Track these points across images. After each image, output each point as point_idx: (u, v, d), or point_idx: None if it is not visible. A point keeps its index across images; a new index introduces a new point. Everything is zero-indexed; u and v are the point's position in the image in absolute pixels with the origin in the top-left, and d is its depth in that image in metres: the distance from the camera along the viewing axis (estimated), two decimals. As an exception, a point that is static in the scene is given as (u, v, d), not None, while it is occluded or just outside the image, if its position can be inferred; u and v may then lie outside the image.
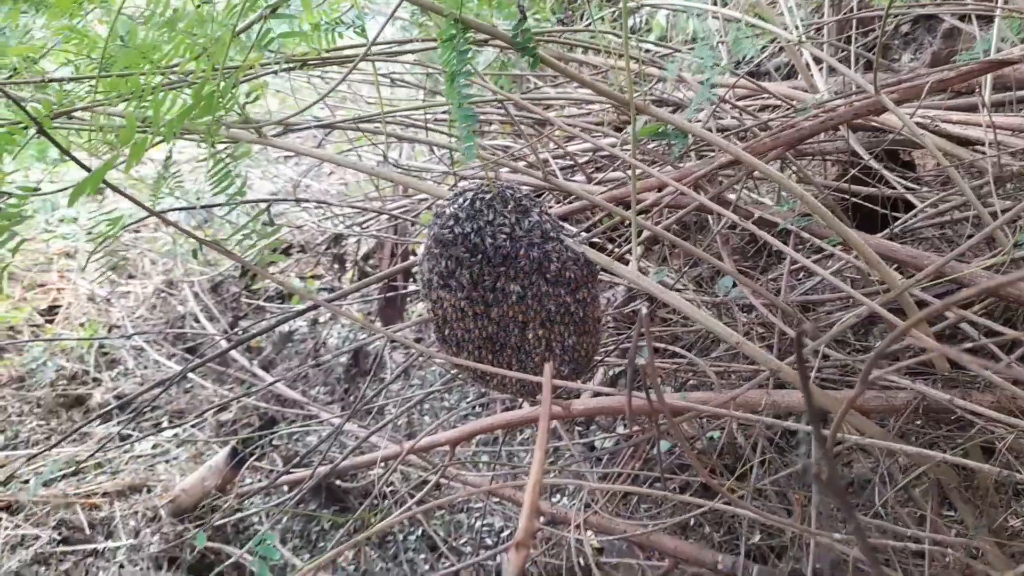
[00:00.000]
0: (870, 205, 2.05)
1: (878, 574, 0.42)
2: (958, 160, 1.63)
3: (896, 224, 1.74)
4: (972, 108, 1.90)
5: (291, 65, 1.37)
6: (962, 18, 2.54)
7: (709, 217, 2.41)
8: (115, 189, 1.12)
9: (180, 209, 1.35)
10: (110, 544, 2.33)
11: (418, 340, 3.18)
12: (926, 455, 1.01)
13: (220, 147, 1.29)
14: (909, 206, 2.18)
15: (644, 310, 0.60)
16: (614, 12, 2.19)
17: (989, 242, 1.74)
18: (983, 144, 1.67)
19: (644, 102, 1.28)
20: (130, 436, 2.86)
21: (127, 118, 0.90)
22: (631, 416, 0.80)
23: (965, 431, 1.29)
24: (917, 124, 1.72)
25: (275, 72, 1.41)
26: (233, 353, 2.95)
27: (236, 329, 2.98)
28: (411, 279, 2.91)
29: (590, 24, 1.90)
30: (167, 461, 2.78)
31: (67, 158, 0.99)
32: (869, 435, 1.26)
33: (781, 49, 2.85)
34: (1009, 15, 1.82)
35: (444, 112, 2.16)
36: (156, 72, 1.18)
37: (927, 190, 1.98)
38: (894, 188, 1.90)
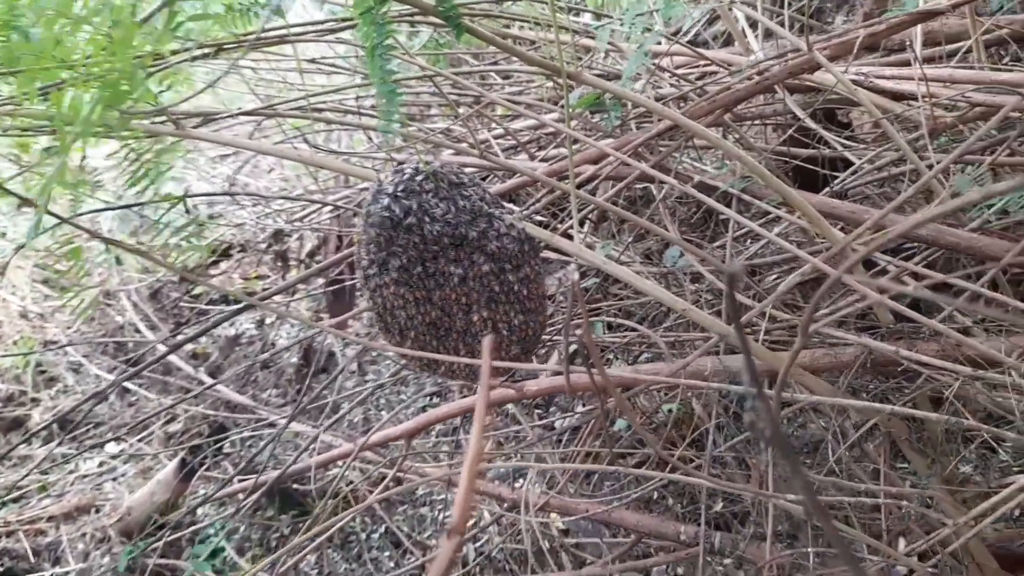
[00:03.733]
0: (811, 167, 2.05)
1: (829, 529, 0.39)
2: (892, 114, 1.63)
3: (835, 183, 1.74)
4: (904, 64, 1.91)
5: (205, 52, 1.30)
6: (890, -23, 2.56)
7: (654, 189, 2.40)
8: (15, 196, 1.05)
9: (94, 212, 1.27)
10: (58, 571, 2.23)
11: (369, 334, 3.11)
12: (874, 408, 1.00)
13: (140, 144, 1.22)
14: (848, 166, 2.20)
15: (574, 276, 0.57)
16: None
17: (927, 195, 1.75)
18: (916, 98, 1.68)
19: (578, 71, 1.24)
20: (73, 455, 2.75)
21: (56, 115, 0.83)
22: (571, 393, 0.77)
23: (914, 382, 1.29)
24: (852, 81, 1.72)
25: (191, 60, 1.33)
26: (178, 362, 2.85)
27: (176, 335, 2.88)
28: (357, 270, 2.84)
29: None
30: (114, 479, 2.68)
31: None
32: (819, 393, 1.26)
33: (717, 18, 2.85)
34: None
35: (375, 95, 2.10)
36: (63, 68, 1.11)
37: (865, 148, 1.99)
38: (833, 148, 1.90)
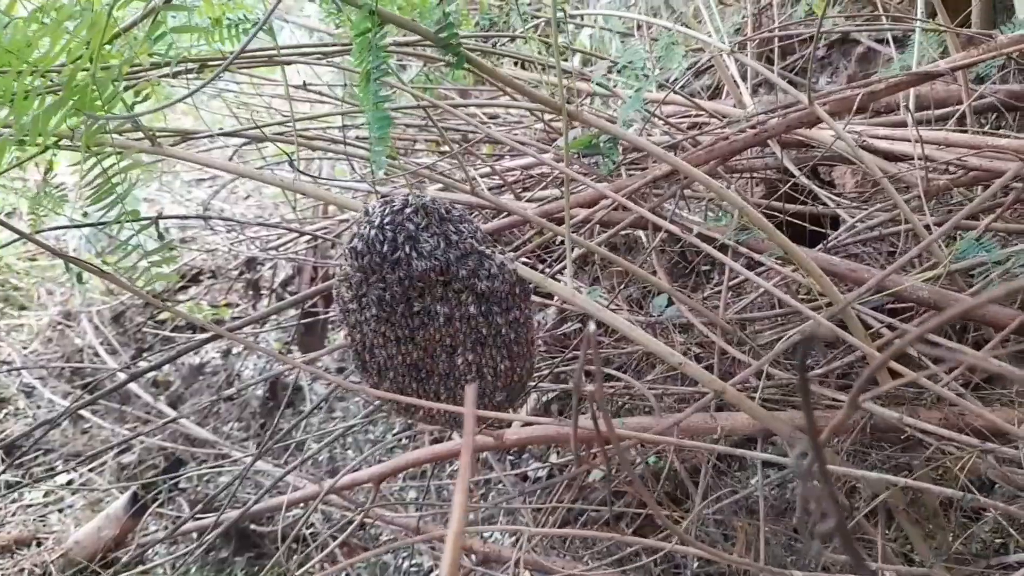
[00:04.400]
0: (798, 222, 2.04)
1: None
2: (889, 175, 1.61)
3: (830, 239, 1.72)
4: (897, 125, 1.91)
5: (188, 67, 1.24)
6: (878, 41, 2.60)
7: (642, 236, 2.36)
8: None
9: (57, 228, 1.19)
10: (-11, 608, 2.08)
11: (340, 371, 3.01)
12: (886, 481, 0.95)
13: (109, 161, 1.15)
14: (832, 225, 2.19)
15: (592, 326, 0.51)
16: (536, 27, 2.14)
17: (920, 255, 1.73)
18: (910, 159, 1.67)
19: (577, 109, 1.20)
20: (19, 484, 2.59)
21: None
22: (576, 446, 0.71)
23: (912, 450, 1.24)
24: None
25: (172, 75, 1.27)
26: (137, 390, 2.72)
27: (138, 362, 2.76)
28: (332, 304, 2.75)
29: (522, 30, 1.83)
30: (60, 510, 2.53)
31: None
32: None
33: (707, 69, 2.86)
34: (927, 31, 1.85)
35: (364, 124, 2.05)
36: (31, 73, 1.04)
37: (854, 206, 1.98)
38: (825, 204, 1.88)
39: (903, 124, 1.88)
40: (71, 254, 1.27)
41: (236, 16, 1.20)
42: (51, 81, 1.12)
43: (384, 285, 1.12)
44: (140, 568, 2.15)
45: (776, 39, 2.48)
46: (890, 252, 2.04)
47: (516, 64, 2.30)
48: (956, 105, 1.96)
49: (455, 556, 0.46)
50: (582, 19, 2.24)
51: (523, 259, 2.03)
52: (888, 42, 2.41)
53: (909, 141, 1.66)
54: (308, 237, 2.74)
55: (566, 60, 2.61)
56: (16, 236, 1.12)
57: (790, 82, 2.71)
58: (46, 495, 2.60)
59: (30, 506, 2.57)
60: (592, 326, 0.51)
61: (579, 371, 0.50)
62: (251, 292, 3.19)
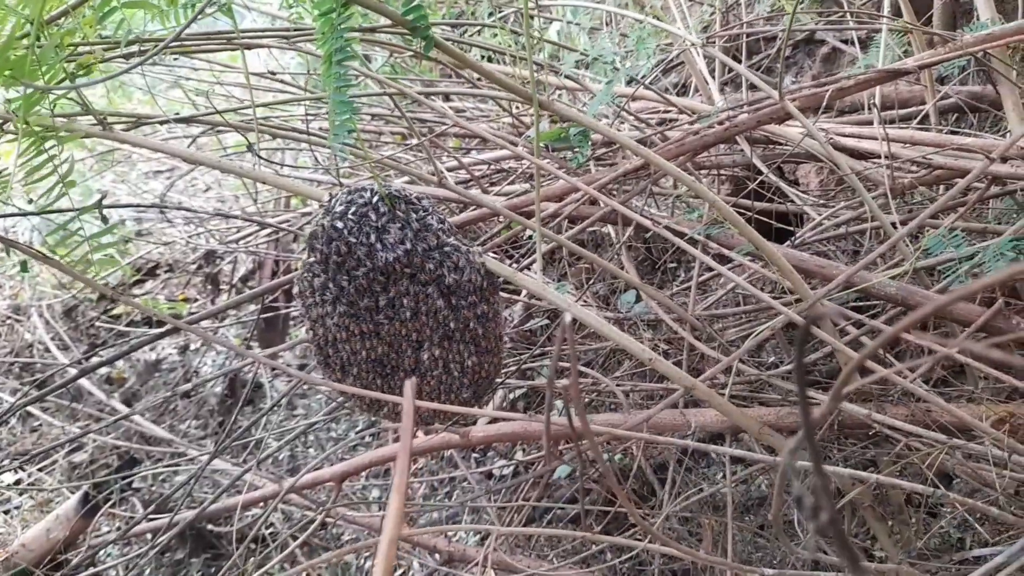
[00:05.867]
0: (765, 219, 2.04)
1: None
2: (856, 172, 1.62)
3: (796, 236, 1.72)
4: (863, 123, 1.92)
5: (141, 48, 1.18)
6: (843, 41, 2.62)
7: (611, 231, 2.35)
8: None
9: (6, 216, 1.13)
10: (-71, 614, 1.98)
11: (302, 368, 2.95)
12: (859, 477, 0.94)
13: (50, 143, 1.09)
14: (796, 222, 2.20)
15: (568, 318, 0.48)
16: (504, 18, 2.11)
17: (886, 253, 1.74)
18: (876, 157, 1.68)
19: (549, 100, 1.18)
20: (-37, 483, 2.49)
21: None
22: (548, 443, 0.68)
23: (879, 446, 1.25)
24: (813, 138, 1.71)
25: (124, 56, 1.21)
26: (89, 386, 2.63)
27: (90, 357, 2.67)
28: (293, 299, 2.69)
29: (490, 18, 1.79)
30: (7, 511, 2.43)
31: None
32: (781, 453, 1.20)
33: (675, 67, 2.86)
34: (893, 29, 1.86)
35: (327, 113, 2.00)
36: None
37: (820, 204, 1.99)
38: (792, 202, 1.89)
39: (869, 123, 1.90)
40: (19, 242, 1.20)
41: (193, -4, 1.15)
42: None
43: (348, 277, 1.08)
44: (91, 571, 2.07)
45: (744, 36, 2.48)
46: (855, 251, 2.06)
47: (484, 57, 2.27)
48: (919, 105, 1.98)
49: (389, 563, 0.44)
50: (551, 12, 2.22)
51: (490, 253, 2.00)
52: (853, 42, 2.43)
53: (876, 139, 1.67)
54: (269, 230, 2.68)
55: (536, 52, 2.59)
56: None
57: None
58: (-8, 496, 2.50)
59: (-26, 507, 2.47)
60: (568, 317, 0.49)
61: (553, 365, 0.48)
62: (210, 286, 3.11)
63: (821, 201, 1.93)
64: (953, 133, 1.87)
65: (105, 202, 1.11)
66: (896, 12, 1.92)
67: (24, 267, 1.20)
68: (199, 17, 1.01)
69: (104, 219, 0.94)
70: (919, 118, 1.87)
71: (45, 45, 0.82)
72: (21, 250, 0.87)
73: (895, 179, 1.65)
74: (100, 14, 0.95)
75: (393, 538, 0.44)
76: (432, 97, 2.12)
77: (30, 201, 1.45)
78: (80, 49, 1.07)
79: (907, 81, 2.03)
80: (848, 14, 2.18)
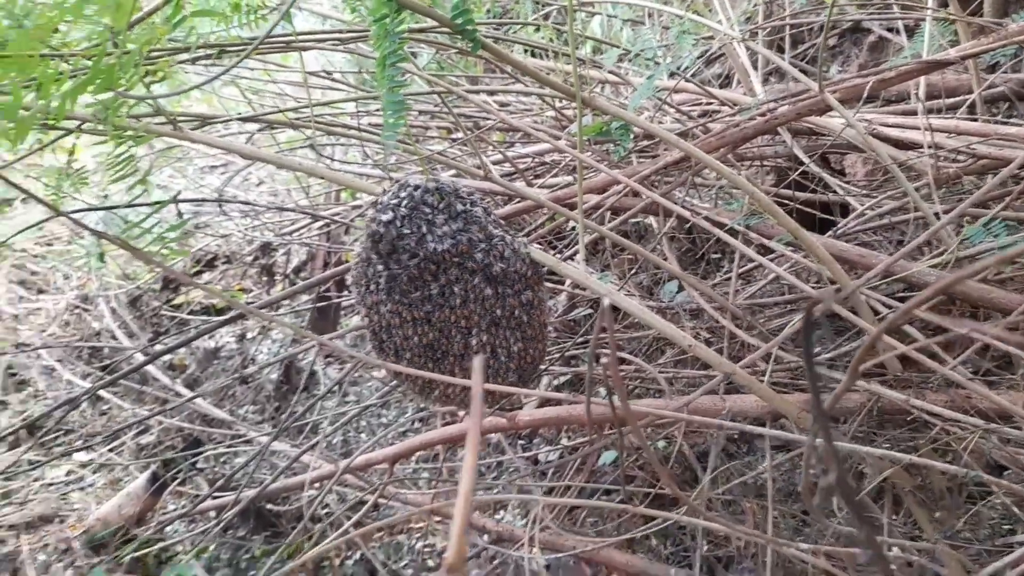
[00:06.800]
0: (807, 209, 2.05)
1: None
2: (899, 162, 1.62)
3: (839, 226, 1.73)
4: (908, 114, 1.91)
5: (208, 52, 1.26)
6: (889, 30, 2.60)
7: (653, 223, 2.38)
8: (10, 183, 1.00)
9: (79, 211, 1.22)
10: (14, 582, 2.13)
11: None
12: (894, 458, 0.97)
13: (131, 139, 1.18)
14: (844, 211, 2.20)
15: (606, 302, 0.53)
16: (547, 15, 2.15)
17: (929, 242, 1.74)
18: (920, 147, 1.68)
19: (591, 95, 1.22)
20: (41, 462, 2.65)
21: (12, 90, 0.79)
22: (591, 426, 0.73)
23: (919, 432, 1.27)
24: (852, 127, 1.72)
25: (191, 60, 1.30)
26: (154, 372, 2.77)
27: (155, 344, 2.81)
28: (345, 289, 2.79)
29: (534, 18, 1.84)
30: (82, 488, 2.58)
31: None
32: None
33: (717, 58, 2.87)
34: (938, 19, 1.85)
35: (378, 111, 2.07)
36: (54, 56, 1.07)
37: (864, 194, 1.99)
38: (835, 192, 1.90)
39: (913, 113, 1.89)
40: (95, 229, 1.30)
41: (254, 1, 1.23)
42: (66, 63, 1.15)
43: (400, 266, 1.15)
44: (159, 544, 2.20)
45: (787, 28, 2.48)
46: (899, 241, 2.05)
47: (527, 52, 2.32)
48: (967, 94, 1.96)
49: (464, 520, 0.49)
50: (593, 7, 2.25)
51: (535, 244, 2.06)
52: (899, 31, 2.41)
53: (919, 129, 1.67)
54: (322, 222, 2.77)
55: (579, 47, 2.63)
56: (44, 217, 1.15)
57: (801, 71, 2.71)
58: (67, 474, 2.66)
59: (51, 484, 2.63)
60: (606, 302, 0.54)
61: (592, 346, 0.53)
62: (265, 277, 3.23)
63: (864, 191, 1.93)
64: (1002, 122, 1.86)
65: (166, 195, 1.19)
66: (942, 2, 1.91)
67: (101, 258, 1.29)
68: (269, 23, 1.08)
69: (180, 214, 1.03)
70: (966, 107, 1.86)
71: (129, 53, 0.90)
72: (109, 239, 0.96)
73: (940, 169, 1.65)
74: (172, 22, 1.03)
75: (466, 516, 0.48)
76: (477, 92, 2.18)
77: (104, 197, 1.55)
78: (154, 55, 1.16)
79: (955, 70, 2.02)
80: (894, 3, 2.17)
